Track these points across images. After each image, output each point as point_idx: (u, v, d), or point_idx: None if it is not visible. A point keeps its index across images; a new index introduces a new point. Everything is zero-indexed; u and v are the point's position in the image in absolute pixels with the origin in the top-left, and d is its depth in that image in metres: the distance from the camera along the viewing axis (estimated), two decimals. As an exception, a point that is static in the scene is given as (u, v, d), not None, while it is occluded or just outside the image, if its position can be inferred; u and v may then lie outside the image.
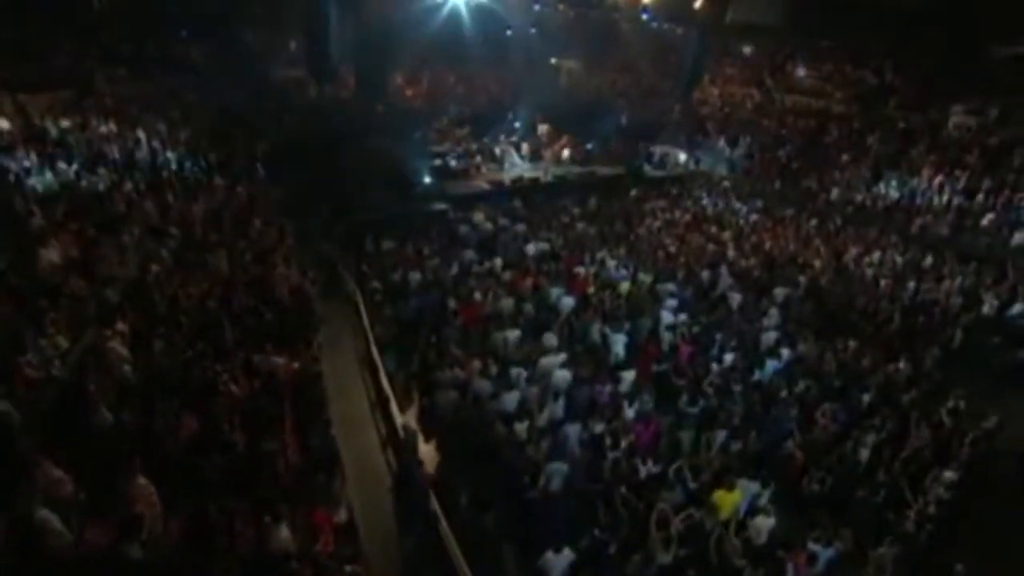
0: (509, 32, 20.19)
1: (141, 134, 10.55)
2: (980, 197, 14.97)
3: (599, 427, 7.78)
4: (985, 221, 14.30)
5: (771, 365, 9.71)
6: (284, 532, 4.78)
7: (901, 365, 9.50)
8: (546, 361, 8.83)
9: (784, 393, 8.96)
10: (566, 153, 20.04)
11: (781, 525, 6.32)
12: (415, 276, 11.21)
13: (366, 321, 10.13)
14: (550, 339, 9.46)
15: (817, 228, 15.85)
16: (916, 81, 19.36)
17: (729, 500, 6.54)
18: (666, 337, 10.31)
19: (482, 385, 8.09)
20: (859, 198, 16.82)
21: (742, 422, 8.26)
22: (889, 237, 14.94)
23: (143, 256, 7.47)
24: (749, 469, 7.24)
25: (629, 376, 8.89)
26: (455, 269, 11.78)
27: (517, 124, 20.60)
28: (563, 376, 8.57)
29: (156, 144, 10.73)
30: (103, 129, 10.64)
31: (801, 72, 22.06)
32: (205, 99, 13.58)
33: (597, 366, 9.05)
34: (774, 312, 11.39)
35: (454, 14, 18.12)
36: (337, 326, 10.40)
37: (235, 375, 6.28)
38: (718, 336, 10.28)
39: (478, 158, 18.57)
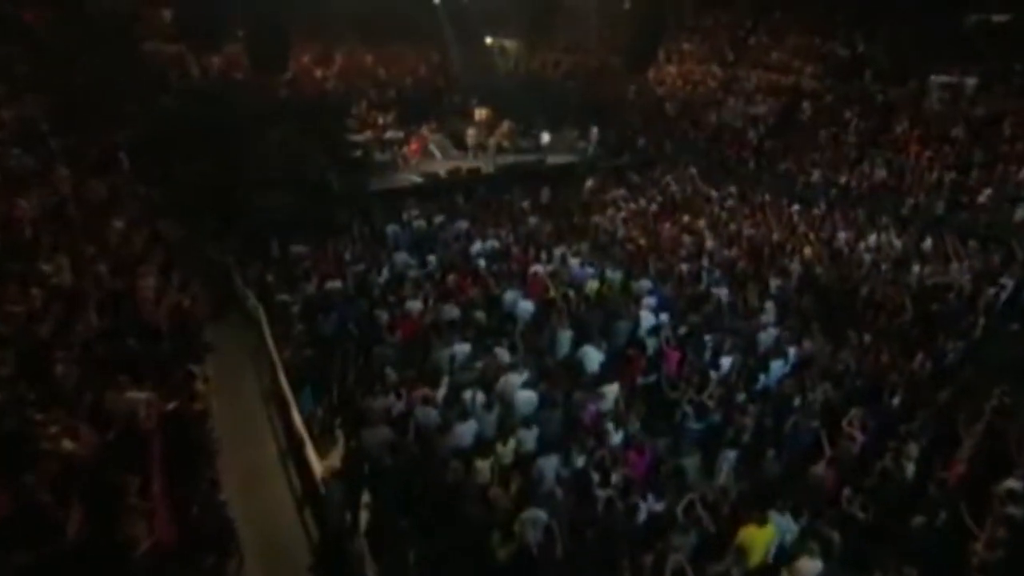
0: (437, 1, 19.40)
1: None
2: (974, 172, 15.15)
3: (582, 459, 6.96)
4: (982, 197, 14.43)
5: (777, 368, 9.18)
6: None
7: (927, 360, 9.06)
8: (506, 380, 8.00)
9: (798, 400, 8.37)
10: (546, 137, 19.77)
11: (829, 568, 5.48)
12: (334, 285, 10.34)
13: (272, 343, 9.19)
14: (497, 354, 8.61)
15: (801, 212, 15.69)
16: (891, 52, 19.79)
17: (761, 539, 5.73)
18: (649, 343, 9.62)
19: (427, 415, 7.23)
20: (843, 179, 16.83)
21: (754, 439, 7.66)
22: (880, 219, 14.90)
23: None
24: (772, 497, 6.47)
25: (612, 392, 8.16)
26: (385, 275, 10.99)
27: (451, 109, 19.89)
28: (529, 397, 7.77)
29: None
30: None
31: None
32: (45, 73, 11.99)
33: (571, 382, 8.27)
34: (770, 306, 10.92)
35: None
36: (233, 352, 9.46)
37: (71, 425, 4.94)
38: (709, 338, 9.67)
39: (406, 148, 17.62)
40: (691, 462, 7.18)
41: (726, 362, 9.07)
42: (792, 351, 9.51)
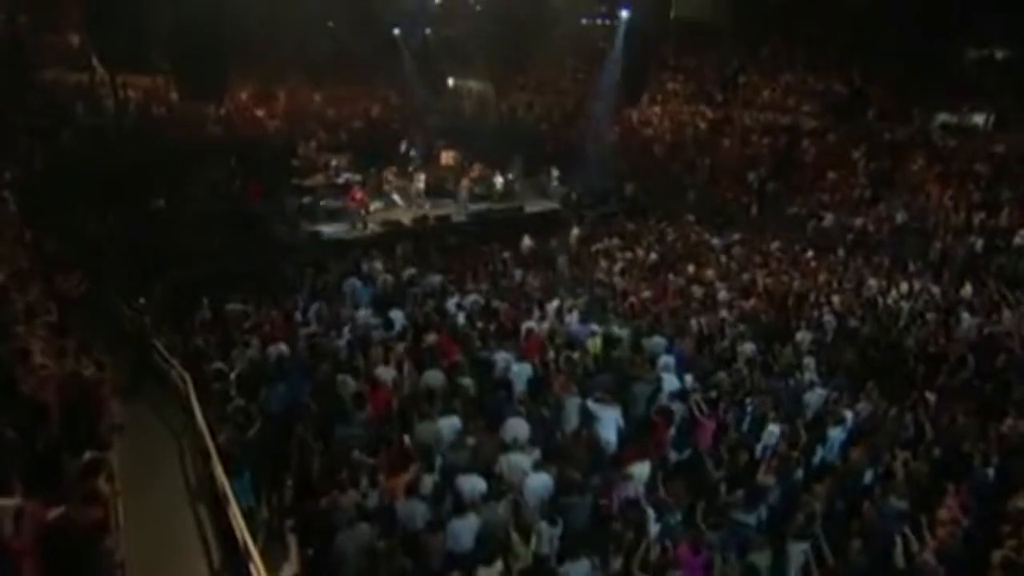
0: (397, 31, 19.33)
1: None
2: (1004, 212, 15.38)
3: (619, 561, 6.07)
4: (1019, 239, 14.53)
5: (836, 436, 8.42)
6: None
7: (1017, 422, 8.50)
8: (509, 461, 7.10)
9: (870, 475, 7.61)
10: (500, 181, 19.44)
11: None
12: (280, 350, 9.42)
13: (203, 424, 8.18)
14: (512, 426, 7.70)
15: (816, 259, 15.57)
16: (891, 89, 20.38)
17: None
18: (676, 409, 8.78)
19: (413, 510, 6.33)
20: (858, 222, 16.84)
21: (827, 526, 6.75)
22: (908, 264, 14.82)
23: None
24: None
25: (642, 471, 7.29)
26: (347, 336, 10.19)
27: (413, 152, 19.78)
28: (542, 483, 6.82)
29: None
30: None
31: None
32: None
33: (590, 461, 7.42)
34: (809, 363, 10.30)
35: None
36: (151, 436, 8.62)
37: None
38: (749, 402, 9.03)
39: (359, 194, 17.05)
40: (761, 559, 6.19)
41: (774, 431, 8.32)
42: (848, 415, 8.80)
